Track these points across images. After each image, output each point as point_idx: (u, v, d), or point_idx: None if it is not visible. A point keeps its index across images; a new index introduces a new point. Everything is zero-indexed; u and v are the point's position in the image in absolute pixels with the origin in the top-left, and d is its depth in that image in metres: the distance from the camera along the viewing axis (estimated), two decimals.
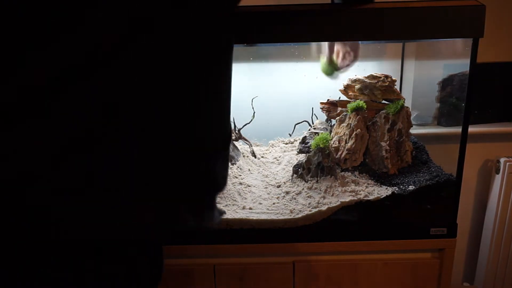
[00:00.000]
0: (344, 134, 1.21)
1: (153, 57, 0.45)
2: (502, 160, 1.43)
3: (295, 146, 1.43)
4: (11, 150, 0.42)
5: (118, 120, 0.45)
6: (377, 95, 1.22)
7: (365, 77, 1.25)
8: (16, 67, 0.40)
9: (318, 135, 1.21)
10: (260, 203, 1.11)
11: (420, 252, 1.09)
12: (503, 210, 1.45)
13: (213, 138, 0.57)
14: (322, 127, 1.32)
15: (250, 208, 1.08)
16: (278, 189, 1.18)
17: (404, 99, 1.22)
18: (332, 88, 1.32)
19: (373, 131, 1.20)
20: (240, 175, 1.26)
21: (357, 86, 1.24)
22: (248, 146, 1.43)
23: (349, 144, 1.18)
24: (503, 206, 1.44)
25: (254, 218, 1.04)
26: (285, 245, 1.07)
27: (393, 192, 1.06)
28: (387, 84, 1.21)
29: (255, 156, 1.39)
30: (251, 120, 1.40)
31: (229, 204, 1.11)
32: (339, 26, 0.94)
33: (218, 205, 1.10)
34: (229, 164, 1.31)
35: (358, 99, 1.22)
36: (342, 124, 1.23)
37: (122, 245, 0.54)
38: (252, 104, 1.39)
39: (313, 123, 1.38)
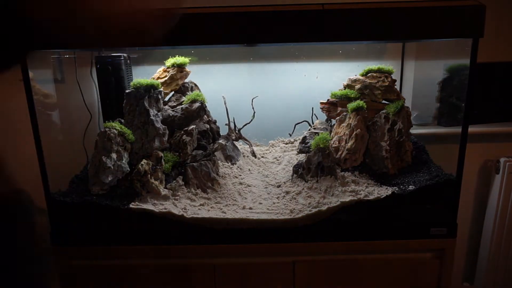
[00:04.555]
0: (344, 134, 1.21)
1: None
2: (502, 160, 1.43)
3: (295, 146, 1.43)
4: None
5: None
6: (377, 95, 1.22)
7: (365, 77, 1.25)
8: None
9: (318, 135, 1.21)
10: (260, 203, 1.11)
11: (420, 252, 1.09)
12: (503, 210, 1.45)
13: None
14: (322, 127, 1.32)
15: (250, 208, 1.08)
16: (278, 189, 1.18)
17: (404, 99, 1.22)
18: (332, 89, 1.32)
19: (373, 131, 1.20)
20: (240, 175, 1.26)
21: (357, 86, 1.25)
22: (248, 146, 1.43)
23: (349, 144, 1.18)
24: (503, 206, 1.44)
25: (254, 218, 1.04)
26: (285, 245, 1.07)
27: (393, 192, 1.06)
28: (387, 84, 1.21)
29: (255, 156, 1.39)
30: (251, 120, 1.40)
31: (229, 204, 1.11)
32: (339, 26, 0.94)
33: (218, 205, 1.10)
34: (229, 164, 1.31)
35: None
36: (342, 124, 1.23)
37: None
38: (252, 104, 1.39)
39: (313, 123, 1.38)
